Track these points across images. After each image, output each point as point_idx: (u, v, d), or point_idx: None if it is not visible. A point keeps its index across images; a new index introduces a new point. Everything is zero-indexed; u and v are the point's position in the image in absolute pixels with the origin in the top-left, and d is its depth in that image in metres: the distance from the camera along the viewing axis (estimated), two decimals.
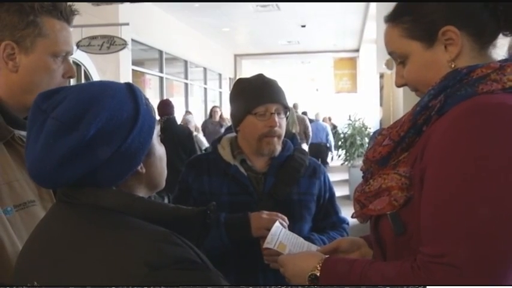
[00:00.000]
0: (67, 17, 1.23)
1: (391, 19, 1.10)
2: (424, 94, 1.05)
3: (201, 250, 0.89)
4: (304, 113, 11.67)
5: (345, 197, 8.38)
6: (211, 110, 9.60)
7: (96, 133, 0.85)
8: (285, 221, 1.59)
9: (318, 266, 1.07)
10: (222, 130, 7.54)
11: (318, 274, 1.06)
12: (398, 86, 1.14)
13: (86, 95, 0.88)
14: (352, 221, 1.58)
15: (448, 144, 0.92)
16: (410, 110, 1.04)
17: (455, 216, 0.88)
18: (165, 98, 10.12)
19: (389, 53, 1.12)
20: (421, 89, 1.08)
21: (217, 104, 14.58)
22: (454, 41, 1.02)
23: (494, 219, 0.86)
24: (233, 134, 1.83)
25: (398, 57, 1.11)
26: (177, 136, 5.48)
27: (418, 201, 0.96)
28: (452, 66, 1.02)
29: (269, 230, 1.50)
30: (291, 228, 1.58)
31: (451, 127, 0.93)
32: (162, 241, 0.83)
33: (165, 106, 5.68)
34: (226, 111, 14.50)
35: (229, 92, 1.89)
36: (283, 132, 1.75)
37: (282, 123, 1.73)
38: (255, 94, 1.71)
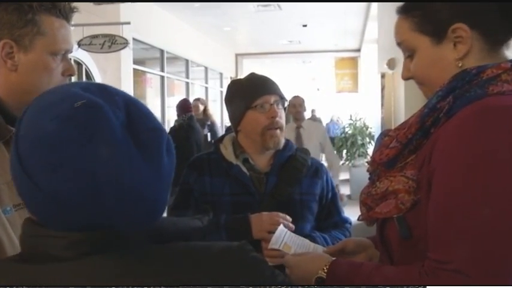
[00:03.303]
0: (66, 14, 1.22)
1: (403, 11, 1.08)
2: (428, 90, 1.04)
3: None
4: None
5: (346, 197, 8.36)
6: (192, 104, 6.58)
7: None
8: (286, 220, 1.59)
9: (325, 268, 1.06)
10: (207, 131, 6.85)
11: (325, 277, 1.05)
12: (405, 78, 1.12)
13: None
14: (355, 221, 1.57)
15: (456, 148, 0.90)
16: (418, 111, 1.02)
17: (462, 222, 0.86)
18: (166, 97, 10.14)
19: (398, 44, 1.10)
20: (427, 85, 1.06)
21: (219, 103, 14.58)
22: (464, 39, 0.99)
23: (503, 225, 0.84)
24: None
25: (406, 50, 1.09)
26: (198, 133, 5.75)
27: (425, 205, 0.94)
28: (460, 65, 1.00)
29: (270, 232, 1.50)
30: (293, 228, 1.57)
31: (459, 129, 0.91)
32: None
33: (186, 104, 5.96)
34: (226, 111, 14.48)
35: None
36: (284, 123, 1.75)
37: (282, 115, 1.74)
38: (251, 89, 1.73)
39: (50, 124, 0.69)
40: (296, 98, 5.08)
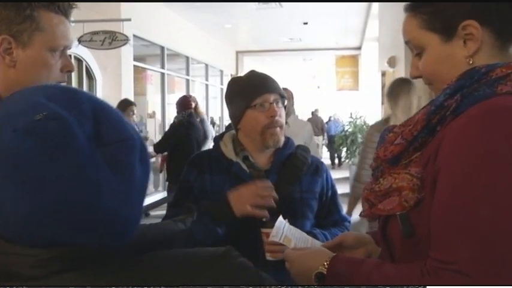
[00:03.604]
0: (65, 10, 1.21)
1: (411, 9, 1.06)
2: (437, 89, 1.02)
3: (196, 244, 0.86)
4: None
5: (346, 195, 8.36)
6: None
7: None
8: (266, 187, 1.59)
9: (325, 264, 1.05)
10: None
11: (325, 272, 1.04)
12: (413, 77, 1.10)
13: None
14: (354, 218, 1.57)
15: (463, 148, 0.88)
16: (424, 108, 1.00)
17: (468, 223, 0.85)
18: (166, 94, 10.13)
19: (406, 43, 1.09)
20: (436, 83, 1.05)
21: (219, 100, 14.57)
22: (474, 36, 0.98)
23: (506, 226, 0.83)
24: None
25: (414, 48, 1.07)
26: (198, 130, 5.65)
27: (429, 203, 0.93)
28: (470, 62, 0.98)
29: (254, 206, 1.52)
30: (293, 226, 1.57)
31: (466, 129, 0.89)
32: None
33: (186, 101, 5.80)
34: (226, 108, 14.47)
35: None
36: (284, 122, 1.74)
37: (281, 113, 1.73)
38: (251, 87, 1.72)
39: (10, 137, 0.64)
40: (284, 90, 4.79)
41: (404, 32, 1.08)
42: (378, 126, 3.40)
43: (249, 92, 1.71)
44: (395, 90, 3.16)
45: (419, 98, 3.10)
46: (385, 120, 3.35)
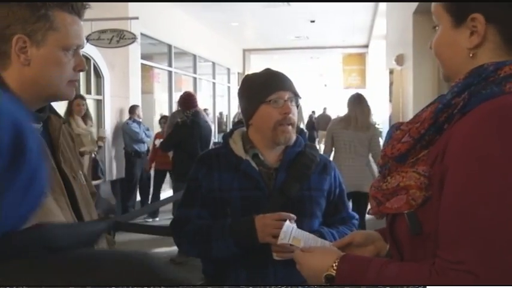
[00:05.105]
0: (78, 10, 1.23)
1: None
2: (442, 70, 1.04)
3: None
4: None
5: None
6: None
7: None
8: (290, 218, 1.58)
9: (334, 265, 1.05)
10: None
11: (334, 274, 1.04)
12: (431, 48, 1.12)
13: None
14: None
15: (471, 148, 0.88)
16: (432, 105, 1.01)
17: (477, 224, 0.85)
18: (173, 92, 10.15)
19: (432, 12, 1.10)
20: (440, 62, 1.07)
21: (226, 99, 14.60)
22: (478, 30, 0.97)
23: None
24: (244, 128, 1.83)
25: (435, 20, 1.08)
26: (203, 129, 5.57)
27: (436, 202, 0.93)
28: (470, 55, 0.99)
29: (275, 237, 1.51)
30: (301, 224, 1.58)
31: (474, 129, 0.89)
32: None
33: (189, 99, 5.67)
34: (233, 106, 14.63)
35: (237, 87, 1.89)
36: (296, 120, 1.75)
37: (294, 112, 1.74)
38: (267, 83, 1.73)
39: None
40: None
41: (433, 2, 1.09)
42: (337, 122, 5.01)
43: (265, 87, 1.72)
44: (352, 102, 4.88)
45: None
46: (344, 119, 4.91)
